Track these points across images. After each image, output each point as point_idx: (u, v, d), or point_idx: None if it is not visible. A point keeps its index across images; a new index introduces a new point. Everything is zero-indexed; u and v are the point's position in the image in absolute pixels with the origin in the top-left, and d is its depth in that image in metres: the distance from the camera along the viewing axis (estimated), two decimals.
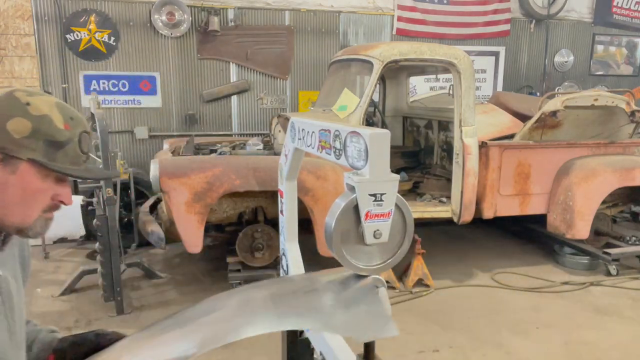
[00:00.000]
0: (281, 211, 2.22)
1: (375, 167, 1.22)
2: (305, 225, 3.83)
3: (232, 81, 6.58)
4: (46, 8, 5.81)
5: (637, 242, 4.95)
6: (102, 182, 3.78)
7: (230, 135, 6.52)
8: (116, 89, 6.18)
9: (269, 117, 6.34)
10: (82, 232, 5.27)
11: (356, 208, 1.21)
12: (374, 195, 1.21)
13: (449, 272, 4.76)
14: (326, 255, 3.73)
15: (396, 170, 5.07)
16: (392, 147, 5.40)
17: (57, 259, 5.10)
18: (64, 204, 1.06)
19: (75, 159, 1.02)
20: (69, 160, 1.01)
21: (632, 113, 4.88)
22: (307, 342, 1.84)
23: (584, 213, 4.60)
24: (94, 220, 3.82)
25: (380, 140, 1.23)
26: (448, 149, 5.44)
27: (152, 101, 6.32)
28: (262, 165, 3.90)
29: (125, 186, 5.00)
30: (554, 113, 4.59)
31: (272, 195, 4.01)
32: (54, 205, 1.05)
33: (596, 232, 4.99)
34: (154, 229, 3.97)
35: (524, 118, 5.05)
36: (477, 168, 4.45)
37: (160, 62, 6.28)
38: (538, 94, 7.47)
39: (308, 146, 1.73)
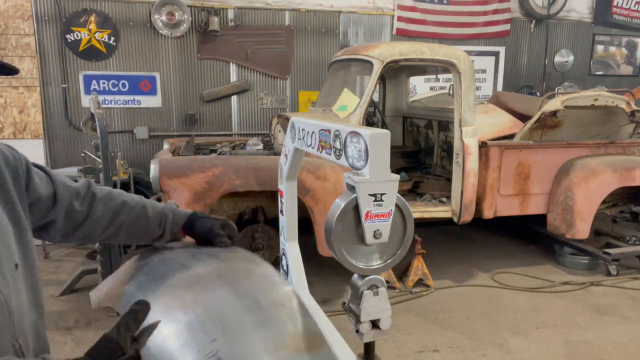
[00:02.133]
0: (281, 211, 2.22)
1: (375, 167, 1.22)
2: (305, 225, 3.83)
3: (232, 81, 6.58)
4: (46, 8, 5.81)
5: (637, 242, 4.95)
6: (102, 182, 3.78)
7: (230, 135, 6.52)
8: (116, 89, 6.18)
9: (269, 117, 6.34)
10: None
11: (356, 208, 1.21)
12: (374, 195, 1.21)
13: (449, 272, 4.76)
14: (326, 255, 3.73)
15: (396, 170, 5.07)
16: (392, 147, 5.40)
17: (57, 259, 5.10)
18: None
19: None
20: None
21: (632, 113, 4.88)
22: None
23: (584, 213, 4.60)
24: None
25: (380, 140, 1.23)
26: (448, 149, 5.44)
27: (152, 101, 6.32)
28: (262, 165, 3.90)
29: (125, 186, 5.00)
30: (554, 113, 4.59)
31: (272, 195, 4.01)
32: None
33: (596, 232, 4.99)
34: None
35: (524, 118, 5.05)
36: (477, 168, 4.45)
37: (160, 62, 6.28)
38: (538, 94, 7.48)
39: (308, 146, 1.73)
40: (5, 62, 1.02)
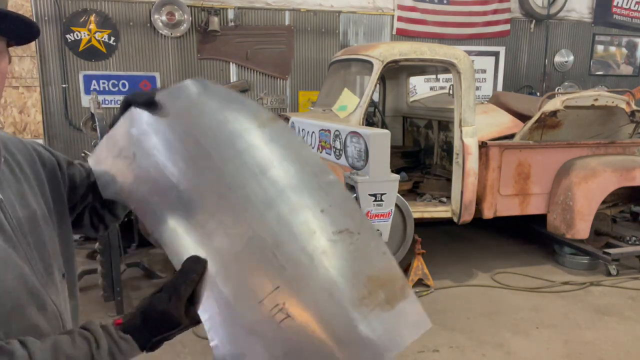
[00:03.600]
0: None
1: (376, 167, 1.23)
2: None
3: (232, 81, 6.58)
4: (46, 8, 5.81)
5: (637, 242, 4.95)
6: None
7: None
8: (116, 89, 6.18)
9: None
10: None
11: None
12: (374, 195, 1.22)
13: (449, 272, 4.76)
14: None
15: (396, 170, 5.07)
16: (392, 147, 5.42)
17: None
18: None
19: None
20: None
21: (632, 113, 4.88)
22: None
23: (584, 213, 4.60)
24: None
25: (380, 140, 1.24)
26: (448, 149, 5.44)
27: None
28: None
29: None
30: (554, 113, 4.59)
31: None
32: None
33: (596, 232, 4.98)
34: None
35: (524, 118, 5.05)
36: (477, 168, 4.45)
37: (160, 62, 6.28)
38: (538, 94, 7.47)
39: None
40: (21, 16, 0.87)
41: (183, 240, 0.87)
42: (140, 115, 0.98)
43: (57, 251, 0.95)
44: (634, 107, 4.88)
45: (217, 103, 0.94)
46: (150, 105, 0.97)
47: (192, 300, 0.82)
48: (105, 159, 1.05)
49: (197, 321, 0.83)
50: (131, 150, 0.98)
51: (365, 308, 0.74)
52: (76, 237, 4.86)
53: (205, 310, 0.82)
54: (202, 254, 0.83)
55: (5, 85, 0.90)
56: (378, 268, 0.78)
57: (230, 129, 0.90)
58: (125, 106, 1.03)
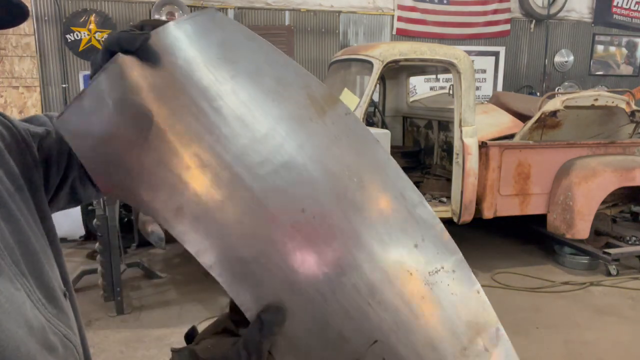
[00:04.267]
0: None
1: None
2: None
3: None
4: (46, 8, 5.81)
5: (637, 242, 4.95)
6: None
7: None
8: None
9: None
10: (82, 232, 5.29)
11: None
12: None
13: None
14: None
15: None
16: (392, 147, 5.43)
17: None
18: None
19: None
20: None
21: (632, 113, 4.88)
22: None
23: (584, 213, 4.60)
24: (94, 220, 3.82)
25: (380, 140, 1.23)
26: (448, 149, 5.44)
27: None
28: None
29: None
30: (554, 113, 4.59)
31: None
32: None
33: (596, 232, 4.98)
34: (154, 229, 3.97)
35: (524, 118, 5.05)
36: (477, 168, 4.45)
37: None
38: (538, 94, 7.48)
39: None
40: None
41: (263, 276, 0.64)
42: (130, 68, 0.64)
43: (53, 265, 0.78)
44: (634, 107, 4.88)
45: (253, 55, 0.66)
46: (145, 52, 0.64)
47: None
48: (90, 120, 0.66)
49: None
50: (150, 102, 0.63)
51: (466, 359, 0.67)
52: (76, 236, 4.83)
53: None
54: (283, 296, 0.65)
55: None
56: (475, 311, 0.71)
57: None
58: (110, 55, 0.68)
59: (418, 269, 0.67)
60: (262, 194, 0.62)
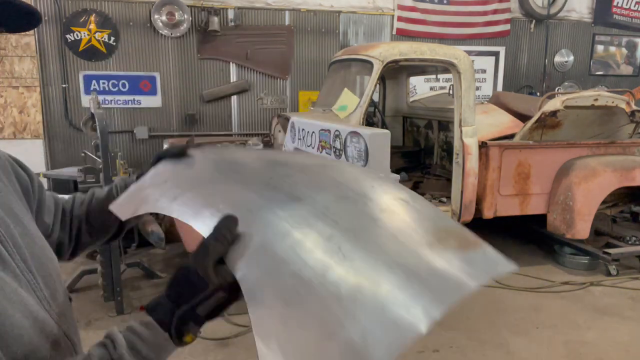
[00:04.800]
0: None
1: (376, 167, 1.22)
2: None
3: (232, 81, 6.58)
4: (46, 8, 5.81)
5: (637, 242, 4.95)
6: (102, 182, 3.78)
7: (230, 135, 6.52)
8: (116, 89, 6.18)
9: (269, 117, 6.34)
10: None
11: None
12: None
13: None
14: None
15: (396, 170, 5.07)
16: (392, 147, 5.41)
17: None
18: None
19: None
20: None
21: (632, 113, 4.88)
22: None
23: (584, 213, 4.60)
24: None
25: (380, 140, 1.23)
26: (448, 149, 5.44)
27: (152, 101, 6.32)
28: None
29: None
30: (554, 113, 4.59)
31: None
32: None
33: (596, 232, 4.99)
34: (154, 229, 3.97)
35: (524, 118, 5.05)
36: (477, 168, 4.45)
37: (160, 62, 6.28)
38: (538, 94, 7.47)
39: (308, 146, 1.73)
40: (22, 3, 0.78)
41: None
42: (173, 164, 0.98)
43: (58, 270, 0.83)
44: (634, 107, 4.88)
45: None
46: (183, 155, 0.98)
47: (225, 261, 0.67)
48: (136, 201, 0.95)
49: (231, 286, 0.65)
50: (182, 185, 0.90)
51: (436, 249, 0.68)
52: None
53: (241, 269, 0.66)
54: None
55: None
56: (450, 225, 0.77)
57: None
58: (156, 161, 1.01)
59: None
60: None
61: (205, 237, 0.68)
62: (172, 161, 0.98)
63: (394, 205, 0.79)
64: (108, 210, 0.97)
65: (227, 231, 0.67)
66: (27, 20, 0.80)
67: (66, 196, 1.08)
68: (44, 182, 5.68)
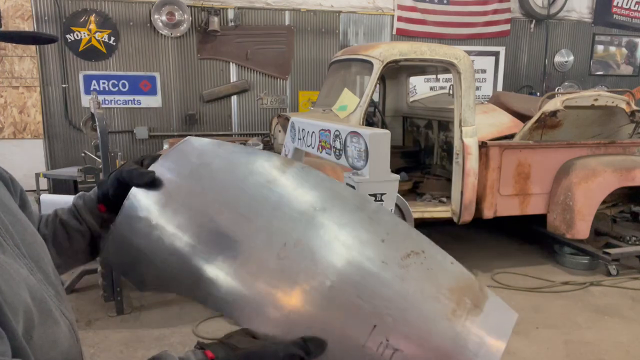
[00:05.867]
0: None
1: (376, 167, 1.22)
2: None
3: (232, 81, 6.58)
4: (46, 8, 5.81)
5: (637, 242, 4.95)
6: None
7: (230, 135, 6.53)
8: (116, 89, 6.18)
9: (269, 117, 6.35)
10: None
11: None
12: (374, 195, 1.21)
13: None
14: None
15: (396, 170, 5.07)
16: (392, 147, 5.39)
17: None
18: None
19: None
20: None
21: (632, 113, 4.88)
22: None
23: (584, 213, 4.60)
24: None
25: (380, 140, 1.24)
26: (448, 149, 5.44)
27: (152, 101, 6.32)
28: None
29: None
30: (554, 113, 4.59)
31: None
32: None
33: (596, 232, 4.99)
34: None
35: (524, 118, 5.05)
36: (477, 168, 4.45)
37: (160, 62, 6.28)
38: (538, 94, 7.48)
39: (308, 146, 1.74)
40: (40, 33, 0.88)
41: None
42: (146, 197, 0.87)
43: (49, 257, 0.85)
44: (634, 107, 4.88)
45: (222, 161, 0.89)
46: (152, 184, 0.86)
47: None
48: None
49: None
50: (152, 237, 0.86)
51: (459, 319, 0.76)
52: None
53: None
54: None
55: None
56: (454, 278, 0.80)
57: (254, 185, 0.84)
58: (119, 184, 0.91)
59: (390, 257, 0.78)
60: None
61: None
62: (143, 195, 0.87)
63: (406, 270, 0.80)
64: (75, 233, 0.97)
65: (318, 355, 0.73)
66: (47, 40, 0.88)
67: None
68: (44, 182, 5.68)
